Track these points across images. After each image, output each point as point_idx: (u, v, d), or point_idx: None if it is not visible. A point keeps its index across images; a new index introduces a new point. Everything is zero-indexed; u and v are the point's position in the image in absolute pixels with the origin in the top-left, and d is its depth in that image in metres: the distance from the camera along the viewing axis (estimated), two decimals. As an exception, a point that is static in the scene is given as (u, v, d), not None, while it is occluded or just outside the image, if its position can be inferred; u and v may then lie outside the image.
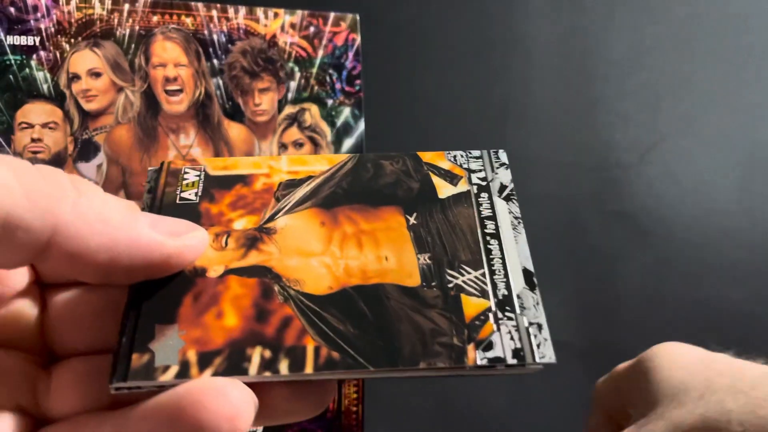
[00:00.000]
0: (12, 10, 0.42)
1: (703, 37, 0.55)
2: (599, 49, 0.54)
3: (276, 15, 0.47)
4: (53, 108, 0.43)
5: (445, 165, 0.27)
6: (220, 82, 0.46)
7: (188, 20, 0.45)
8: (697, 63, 0.55)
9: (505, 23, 0.53)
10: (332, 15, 0.48)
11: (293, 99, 0.47)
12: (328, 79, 0.48)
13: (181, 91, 0.45)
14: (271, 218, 0.25)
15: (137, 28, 0.44)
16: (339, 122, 0.48)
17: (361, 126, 0.48)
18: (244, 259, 0.23)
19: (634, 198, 0.52)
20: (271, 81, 0.47)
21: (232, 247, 0.24)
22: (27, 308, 0.22)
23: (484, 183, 0.26)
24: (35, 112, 0.42)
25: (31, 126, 0.42)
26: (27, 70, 0.42)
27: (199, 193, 0.25)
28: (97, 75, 0.44)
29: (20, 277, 0.21)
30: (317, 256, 0.24)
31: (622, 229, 0.52)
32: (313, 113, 0.48)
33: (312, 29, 0.48)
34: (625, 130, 0.53)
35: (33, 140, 0.42)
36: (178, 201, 0.25)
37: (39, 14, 0.42)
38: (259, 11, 0.47)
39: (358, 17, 0.49)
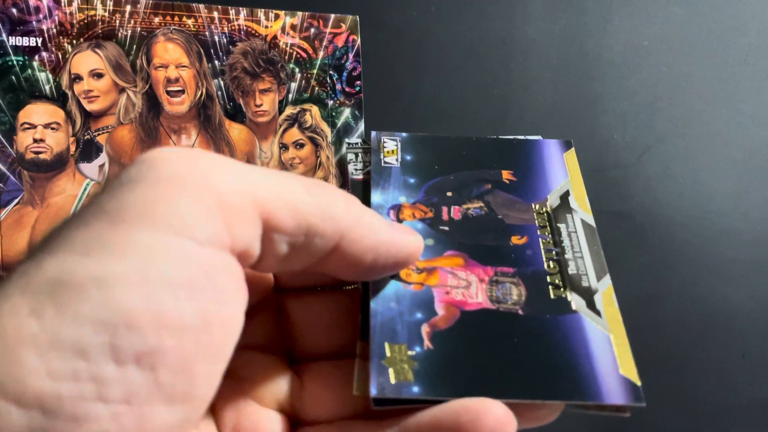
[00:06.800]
0: (14, 11, 0.42)
1: (701, 37, 0.56)
2: (597, 50, 0.54)
3: (277, 16, 0.47)
4: (55, 108, 0.43)
5: None
6: (221, 83, 0.46)
7: (189, 21, 0.46)
8: (695, 63, 0.55)
9: (505, 24, 0.53)
10: (332, 16, 0.49)
11: (294, 100, 0.48)
12: (328, 80, 0.48)
13: (182, 92, 0.45)
14: None
15: (139, 29, 0.45)
16: (339, 123, 0.48)
17: (361, 127, 0.48)
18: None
19: (632, 198, 0.53)
20: (272, 82, 0.47)
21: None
22: (271, 312, 0.23)
23: None
24: (37, 113, 0.42)
25: (33, 126, 0.42)
26: (29, 70, 0.42)
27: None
28: (99, 76, 0.44)
29: (267, 282, 0.23)
30: None
31: (619, 229, 0.52)
32: (313, 114, 0.48)
33: (312, 31, 0.48)
34: (623, 130, 0.53)
35: (35, 141, 0.42)
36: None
37: (41, 15, 0.43)
38: (260, 13, 0.47)
39: (358, 19, 0.49)
